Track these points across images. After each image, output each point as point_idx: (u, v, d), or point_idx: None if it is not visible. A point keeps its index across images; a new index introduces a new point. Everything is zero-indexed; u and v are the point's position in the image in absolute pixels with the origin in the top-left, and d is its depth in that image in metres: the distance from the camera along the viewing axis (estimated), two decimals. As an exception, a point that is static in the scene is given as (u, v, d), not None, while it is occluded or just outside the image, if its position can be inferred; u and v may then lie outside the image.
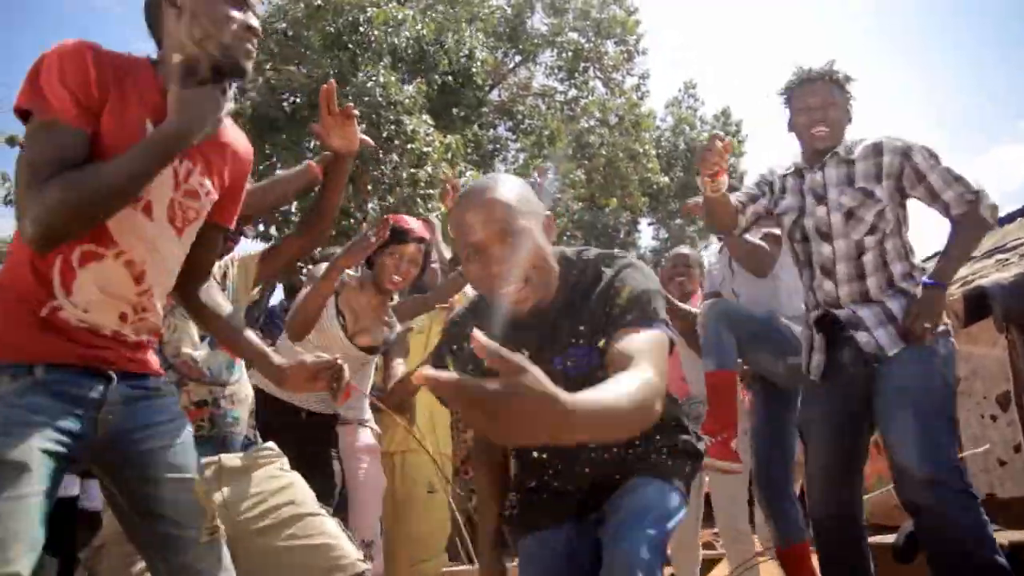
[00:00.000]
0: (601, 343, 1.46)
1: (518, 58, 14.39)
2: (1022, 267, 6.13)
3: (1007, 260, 6.72)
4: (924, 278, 2.17)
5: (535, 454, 1.67)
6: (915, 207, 2.31)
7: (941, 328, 2.13)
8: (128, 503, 1.39)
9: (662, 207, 19.08)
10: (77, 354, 1.33)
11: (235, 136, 1.54)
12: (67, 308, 1.32)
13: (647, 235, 23.93)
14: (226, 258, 2.11)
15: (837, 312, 2.22)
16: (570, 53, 13.87)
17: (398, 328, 2.61)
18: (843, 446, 2.21)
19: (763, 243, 2.72)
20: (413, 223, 2.59)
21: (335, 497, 2.37)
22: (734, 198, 2.40)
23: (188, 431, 1.48)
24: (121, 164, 1.25)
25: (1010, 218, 8.27)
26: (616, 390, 1.05)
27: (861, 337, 2.14)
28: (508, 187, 1.44)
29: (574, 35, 14.03)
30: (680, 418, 1.73)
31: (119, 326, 1.39)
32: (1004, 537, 2.69)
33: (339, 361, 1.57)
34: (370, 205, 8.68)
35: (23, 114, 1.29)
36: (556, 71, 14.39)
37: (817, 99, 2.27)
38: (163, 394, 1.47)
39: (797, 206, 2.34)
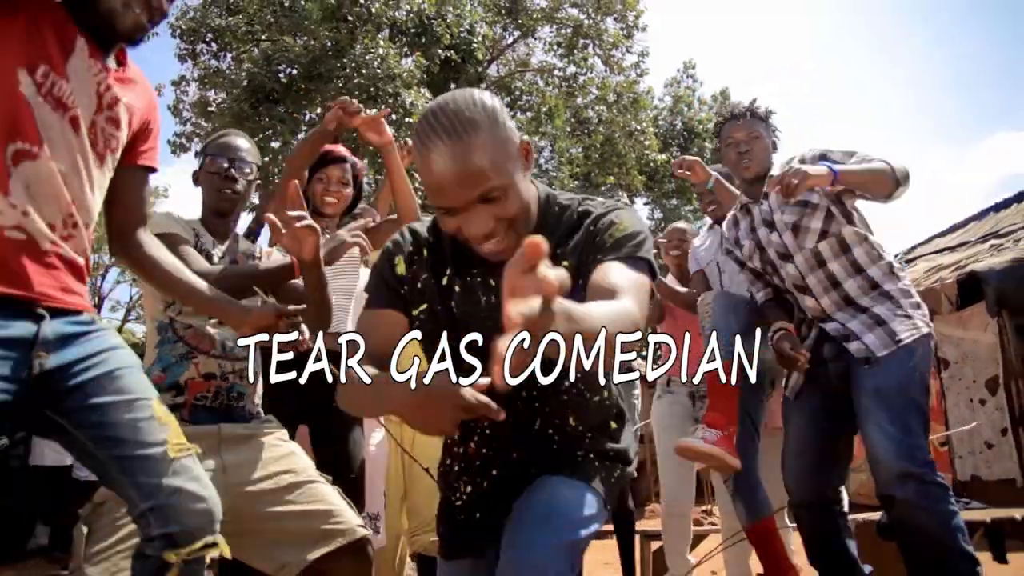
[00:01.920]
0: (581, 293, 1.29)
1: (517, 33, 14.25)
2: (1016, 253, 6.17)
3: (1001, 246, 6.76)
4: (831, 164, 2.24)
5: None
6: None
7: (924, 330, 2.20)
8: (87, 438, 1.33)
9: (658, 186, 19.04)
10: (13, 286, 1.26)
11: (142, 77, 1.53)
12: (5, 212, 1.26)
13: (642, 214, 23.88)
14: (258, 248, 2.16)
15: (827, 327, 2.29)
16: (569, 29, 13.74)
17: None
18: (820, 438, 2.28)
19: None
20: (335, 148, 2.60)
21: (354, 472, 2.37)
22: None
23: (133, 359, 1.44)
24: None
25: (1005, 204, 8.30)
26: (597, 307, 1.02)
27: (852, 346, 2.20)
28: (483, 133, 1.22)
29: (574, 11, 13.88)
30: (612, 421, 1.52)
31: (54, 236, 1.33)
32: (987, 515, 2.75)
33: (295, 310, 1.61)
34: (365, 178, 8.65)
35: None
36: (555, 47, 14.27)
37: (742, 133, 2.45)
38: (100, 329, 1.42)
39: (754, 243, 2.45)
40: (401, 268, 1.42)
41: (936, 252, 8.21)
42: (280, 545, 1.77)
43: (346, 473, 2.26)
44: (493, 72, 14.20)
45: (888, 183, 2.21)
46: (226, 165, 2.01)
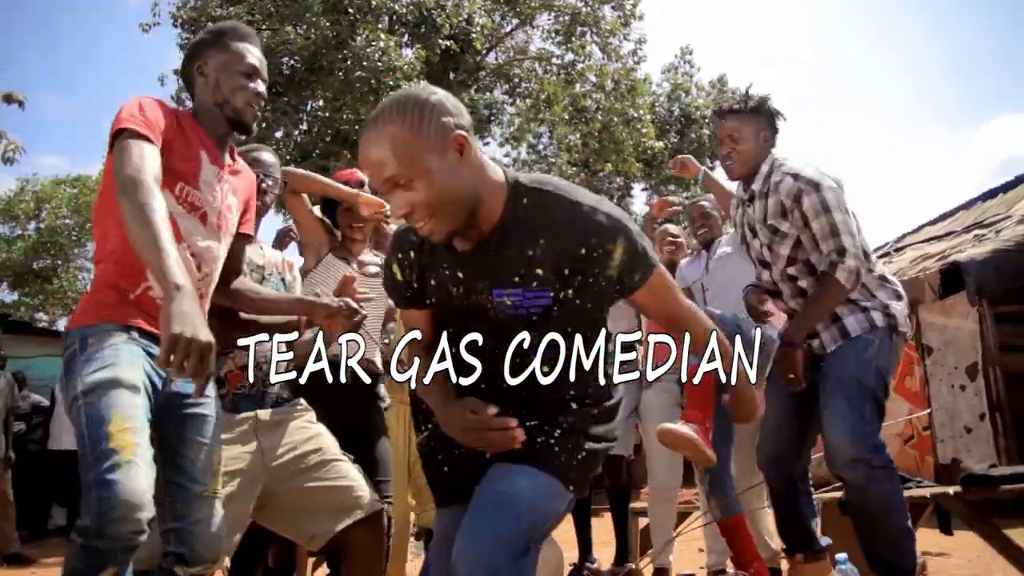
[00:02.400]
0: (563, 294, 1.45)
1: (515, 21, 14.34)
2: (997, 243, 6.38)
3: (984, 236, 6.97)
4: (777, 336, 2.41)
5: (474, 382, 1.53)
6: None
7: (880, 322, 2.36)
8: (159, 451, 1.63)
9: (656, 172, 19.18)
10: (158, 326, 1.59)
11: (244, 166, 2.00)
12: (154, 288, 1.67)
13: (640, 200, 23.97)
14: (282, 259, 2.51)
15: None
16: (567, 17, 13.83)
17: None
18: (791, 426, 2.49)
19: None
20: (348, 174, 2.89)
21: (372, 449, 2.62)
22: None
23: (217, 409, 1.83)
24: (146, 237, 1.51)
25: (992, 193, 8.49)
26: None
27: (815, 343, 2.41)
28: (394, 125, 1.35)
29: (572, -1, 13.98)
30: (587, 400, 1.56)
31: None
32: (927, 491, 2.98)
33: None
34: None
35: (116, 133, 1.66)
36: (553, 35, 14.36)
37: (726, 131, 2.47)
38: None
39: (741, 237, 2.65)
40: (399, 274, 1.56)
41: (924, 241, 8.41)
42: (310, 517, 2.04)
43: (366, 450, 2.50)
44: (492, 59, 14.31)
45: (837, 301, 2.33)
46: (265, 184, 2.36)
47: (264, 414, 2.14)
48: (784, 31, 43.50)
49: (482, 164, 1.43)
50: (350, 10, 8.85)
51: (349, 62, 8.54)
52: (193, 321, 1.39)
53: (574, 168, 15.73)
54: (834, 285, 2.28)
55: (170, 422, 1.70)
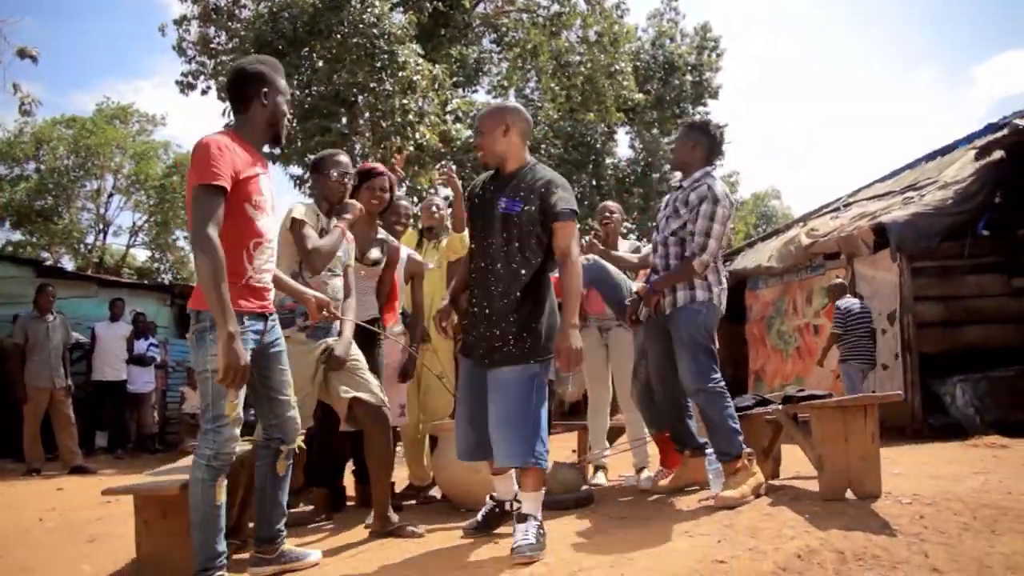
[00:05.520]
0: (526, 207, 2.75)
1: (503, -28, 14.74)
2: (918, 208, 7.35)
3: (911, 198, 7.91)
4: (647, 284, 3.45)
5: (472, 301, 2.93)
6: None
7: (701, 296, 3.29)
8: (259, 380, 2.65)
9: (638, 118, 19.78)
10: (259, 305, 2.55)
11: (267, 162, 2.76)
12: (254, 276, 2.56)
13: (623, 143, 24.50)
14: None
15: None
16: (554, -33, 14.25)
17: (390, 241, 3.86)
18: (668, 357, 3.39)
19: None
20: (375, 165, 3.84)
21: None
22: None
23: (284, 344, 2.79)
24: (210, 283, 2.32)
25: (929, 157, 9.36)
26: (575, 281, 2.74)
27: (666, 301, 3.36)
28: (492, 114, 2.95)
29: (558, -51, 14.35)
30: (542, 302, 2.85)
31: (267, 284, 2.61)
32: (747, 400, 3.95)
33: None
34: (367, 135, 9.51)
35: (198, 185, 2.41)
36: (540, -15, 14.81)
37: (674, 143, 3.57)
38: (275, 323, 2.75)
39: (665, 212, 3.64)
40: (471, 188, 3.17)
41: (868, 199, 9.31)
42: (346, 391, 3.17)
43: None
44: (480, 9, 14.77)
45: (687, 277, 3.29)
46: (347, 179, 3.33)
47: (331, 341, 3.24)
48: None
49: (519, 145, 2.92)
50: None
51: (346, 27, 9.14)
52: (239, 351, 2.35)
53: (559, 114, 16.38)
54: (689, 267, 3.28)
55: (264, 359, 2.65)
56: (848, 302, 7.19)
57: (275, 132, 2.64)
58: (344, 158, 3.37)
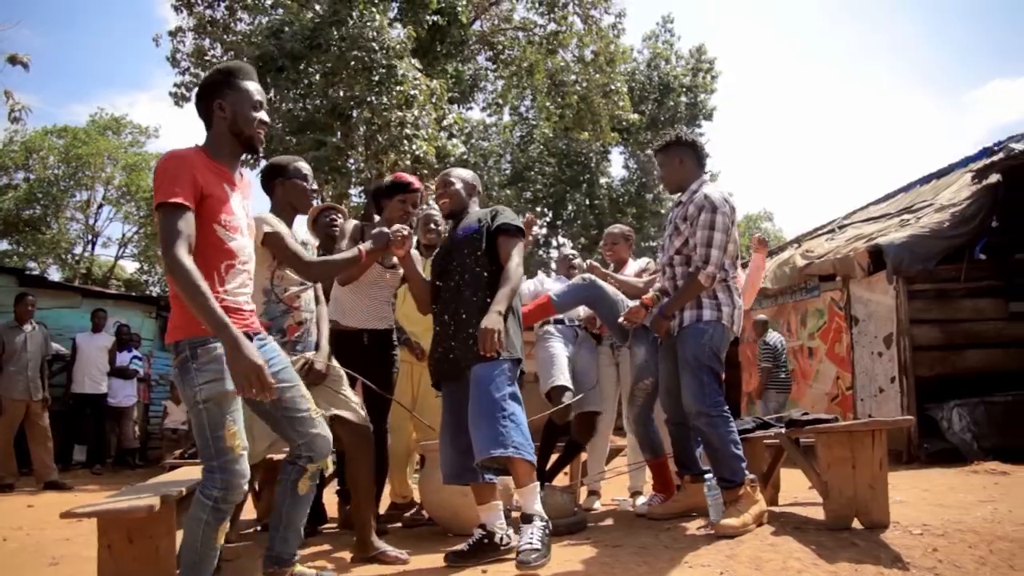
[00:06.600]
0: (481, 225, 2.97)
1: (501, -10, 14.77)
2: (914, 229, 7.28)
3: (908, 221, 7.85)
4: (656, 309, 3.31)
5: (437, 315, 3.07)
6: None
7: (707, 315, 3.16)
8: (269, 404, 2.43)
9: (632, 139, 19.81)
10: (242, 326, 2.26)
11: (245, 172, 2.48)
12: (227, 300, 2.26)
13: (618, 163, 24.55)
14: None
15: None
16: (551, -13, 14.29)
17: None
18: (676, 380, 3.26)
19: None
20: (411, 178, 3.67)
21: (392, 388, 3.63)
22: None
23: (287, 360, 2.57)
24: (193, 300, 2.06)
25: (924, 180, 9.33)
26: (510, 281, 2.86)
27: (674, 322, 3.24)
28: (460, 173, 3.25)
29: (555, -31, 14.40)
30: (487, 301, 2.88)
31: (245, 304, 2.36)
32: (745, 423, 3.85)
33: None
34: (361, 148, 9.40)
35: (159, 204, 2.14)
36: (537, 4, 14.85)
37: (657, 162, 3.49)
38: (267, 341, 2.52)
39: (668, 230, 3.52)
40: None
41: (863, 221, 9.26)
42: (329, 405, 2.97)
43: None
44: (477, 27, 14.77)
45: (696, 293, 3.18)
46: (313, 187, 3.12)
47: (310, 354, 3.02)
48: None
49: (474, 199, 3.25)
50: (349, -12, 9.31)
51: (346, 41, 9.05)
52: (248, 355, 2.06)
53: (553, 133, 16.40)
54: (695, 283, 3.14)
55: None
56: (774, 337, 7.80)
57: (244, 139, 2.33)
58: (303, 163, 3.12)
